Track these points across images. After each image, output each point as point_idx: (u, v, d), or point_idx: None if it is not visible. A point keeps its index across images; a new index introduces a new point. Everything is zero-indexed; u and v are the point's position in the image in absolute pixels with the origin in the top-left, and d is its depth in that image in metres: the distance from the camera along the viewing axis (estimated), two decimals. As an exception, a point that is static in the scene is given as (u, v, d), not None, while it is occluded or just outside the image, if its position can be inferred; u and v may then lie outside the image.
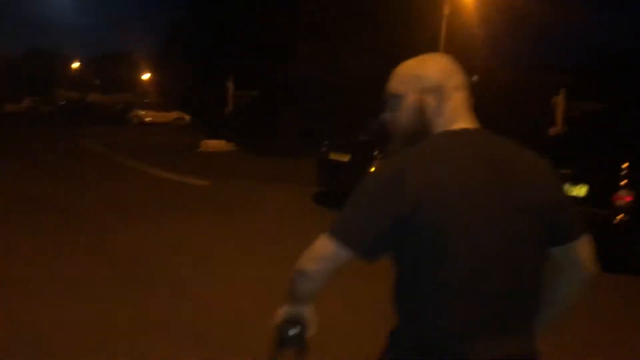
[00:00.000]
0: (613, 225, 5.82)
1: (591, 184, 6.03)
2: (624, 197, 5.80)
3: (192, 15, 31.31)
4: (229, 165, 14.15)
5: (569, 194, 5.79)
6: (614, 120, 11.07)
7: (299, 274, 1.40)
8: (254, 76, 22.91)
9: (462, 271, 1.28)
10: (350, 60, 19.16)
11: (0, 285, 4.71)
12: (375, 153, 8.33)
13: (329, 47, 20.09)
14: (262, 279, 5.11)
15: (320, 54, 19.61)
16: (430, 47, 16.41)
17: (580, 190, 6.04)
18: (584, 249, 1.44)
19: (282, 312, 1.51)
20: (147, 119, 32.64)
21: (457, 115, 1.41)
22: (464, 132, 1.40)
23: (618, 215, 5.82)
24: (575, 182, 6.06)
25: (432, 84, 1.42)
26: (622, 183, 5.87)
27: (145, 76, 56.00)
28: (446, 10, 17.36)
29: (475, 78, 16.87)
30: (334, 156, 9.32)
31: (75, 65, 72.19)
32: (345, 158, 9.02)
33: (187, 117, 33.31)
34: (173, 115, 33.62)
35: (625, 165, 5.94)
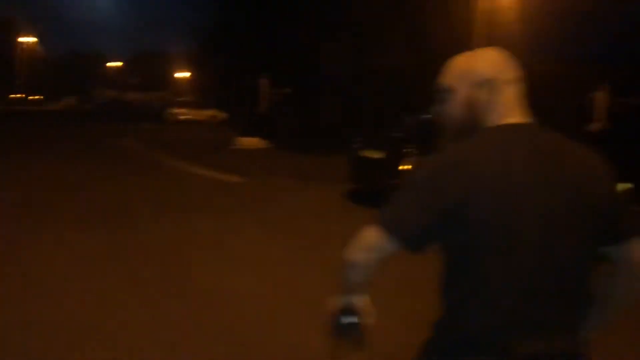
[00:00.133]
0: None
1: (636, 183, 5.78)
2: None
3: (229, 14, 31.56)
4: (262, 163, 14.18)
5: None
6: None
7: (347, 264, 1.41)
8: (289, 74, 22.92)
9: (507, 267, 1.28)
10: (383, 57, 18.96)
11: (49, 275, 4.81)
12: (409, 150, 8.19)
13: (362, 43, 19.94)
14: (294, 276, 5.07)
15: (354, 51, 19.47)
16: (465, 41, 16.11)
17: (623, 188, 5.78)
18: (637, 249, 1.40)
19: (336, 301, 1.50)
20: (183, 117, 33.12)
21: (509, 110, 1.40)
22: (515, 127, 1.38)
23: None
24: (618, 179, 5.81)
25: (483, 78, 1.42)
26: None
27: (182, 75, 56.89)
28: (482, 4, 17.04)
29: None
30: (366, 153, 9.22)
31: (115, 64, 73.88)
32: (378, 155, 8.91)
33: (223, 115, 33.64)
34: (208, 113, 34.03)
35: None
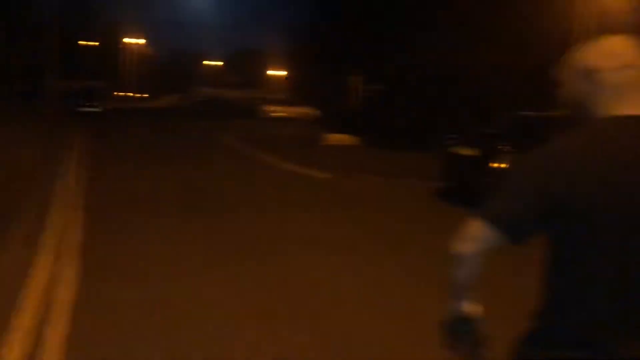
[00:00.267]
0: None
1: None
2: None
3: (323, 12, 31.88)
4: (352, 159, 14.19)
5: None
6: None
7: (454, 258, 1.41)
8: (382, 70, 22.76)
9: (610, 266, 1.26)
10: (477, 54, 18.32)
11: (152, 263, 5.07)
12: (504, 147, 7.84)
13: (456, 39, 19.37)
14: (383, 273, 5.00)
15: (447, 47, 18.96)
16: (564, 36, 15.25)
17: None
18: None
19: (449, 308, 1.48)
20: (277, 114, 33.89)
21: (622, 101, 1.35)
22: (626, 119, 1.33)
23: None
24: None
25: (585, 69, 1.39)
26: None
27: (278, 73, 58.20)
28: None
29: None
30: (458, 150, 8.95)
31: (214, 63, 76.94)
32: (471, 152, 8.62)
33: (315, 112, 34.06)
34: (301, 110, 34.58)
35: None
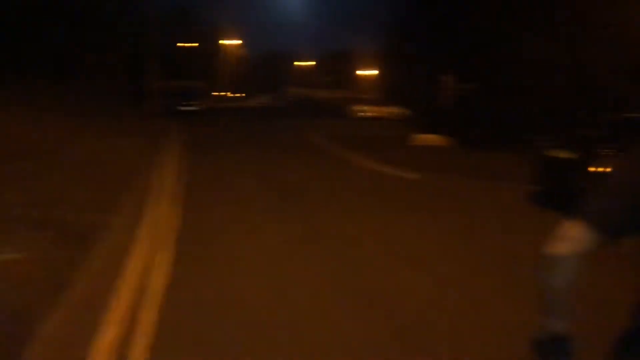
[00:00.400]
0: None
1: None
2: None
3: (415, 10, 31.46)
4: (442, 160, 13.92)
5: None
6: None
7: (547, 261, 1.33)
8: (475, 69, 22.08)
9: None
10: (574, 51, 17.29)
11: (244, 255, 5.26)
12: (605, 150, 7.37)
13: (554, 37, 18.39)
14: (472, 279, 4.85)
15: (544, 46, 18.04)
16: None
17: None
18: None
19: (541, 325, 1.36)
20: (367, 114, 33.86)
21: None
22: None
23: None
24: None
25: None
26: None
27: (369, 72, 58.14)
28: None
29: None
30: (555, 153, 8.51)
31: (306, 63, 78.18)
32: (568, 155, 8.17)
33: (405, 112, 33.68)
34: (391, 109, 34.31)
35: None
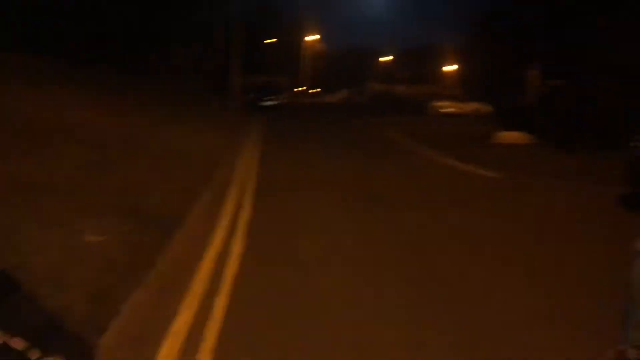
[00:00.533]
0: None
1: None
2: None
3: (498, 6, 30.50)
4: (524, 159, 13.38)
5: None
6: None
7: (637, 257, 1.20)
8: (562, 64, 21.07)
9: None
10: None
11: (314, 248, 5.33)
12: None
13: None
14: (556, 284, 4.63)
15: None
16: None
17: None
18: None
19: (628, 338, 1.31)
20: (447, 110, 33.15)
21: None
22: None
23: None
24: None
25: None
26: None
27: (450, 68, 56.91)
28: None
29: None
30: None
31: (386, 58, 77.53)
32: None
33: (487, 108, 32.68)
34: (472, 106, 33.42)
35: None
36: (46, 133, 7.59)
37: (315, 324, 3.69)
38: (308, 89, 68.79)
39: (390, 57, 76.96)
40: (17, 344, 2.44)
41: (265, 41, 49.39)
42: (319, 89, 70.61)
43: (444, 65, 58.86)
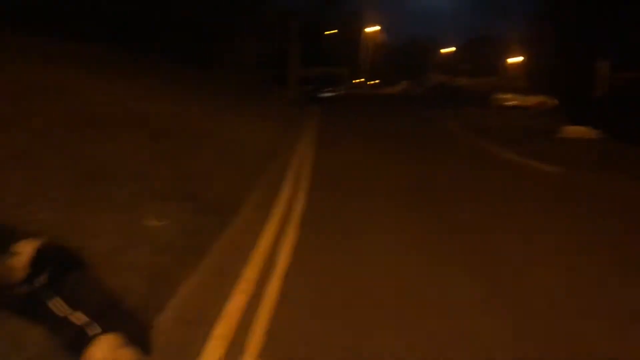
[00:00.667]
0: None
1: None
2: None
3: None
4: (590, 154, 12.83)
5: None
6: None
7: None
8: (635, 55, 20.02)
9: None
10: None
11: (366, 242, 5.32)
12: None
13: None
14: (615, 283, 4.45)
15: None
16: None
17: None
18: None
19: None
20: (509, 103, 32.16)
21: None
22: None
23: None
24: None
25: None
26: None
27: (513, 60, 55.15)
28: None
29: None
30: None
31: (447, 50, 75.98)
32: None
33: (553, 101, 31.50)
34: (537, 99, 32.27)
35: None
36: (112, 122, 7.89)
37: (367, 318, 3.69)
38: (367, 80, 68.45)
39: (452, 49, 75.37)
40: (77, 319, 2.56)
41: (325, 32, 49.40)
42: (377, 81, 70.13)
43: (508, 57, 57.05)
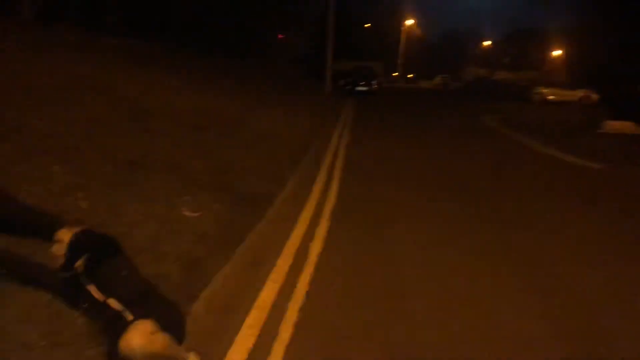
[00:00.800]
0: None
1: None
2: None
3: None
4: (634, 150, 12.45)
5: None
6: None
7: None
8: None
9: None
10: None
11: (394, 235, 5.33)
12: None
13: None
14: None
15: None
16: None
17: None
18: None
19: None
20: (550, 97, 31.48)
21: None
22: None
23: None
24: None
25: None
26: None
27: (556, 53, 53.81)
28: None
29: None
30: None
31: (486, 43, 74.66)
32: None
33: (595, 96, 30.65)
34: (579, 93, 31.50)
35: None
36: (151, 115, 8.06)
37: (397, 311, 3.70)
38: (402, 74, 67.90)
39: (489, 42, 74.05)
40: (115, 304, 2.66)
41: (362, 26, 49.19)
42: (413, 75, 69.50)
43: (549, 50, 55.66)
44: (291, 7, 30.56)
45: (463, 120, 19.12)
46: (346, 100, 25.45)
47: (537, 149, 11.89)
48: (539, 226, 5.89)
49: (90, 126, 6.21)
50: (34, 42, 9.88)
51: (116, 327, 2.56)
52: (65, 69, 8.30)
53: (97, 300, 2.68)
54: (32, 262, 3.00)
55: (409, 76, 68.98)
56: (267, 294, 3.80)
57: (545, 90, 32.31)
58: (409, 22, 65.26)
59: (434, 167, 9.49)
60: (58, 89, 7.02)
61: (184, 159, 6.67)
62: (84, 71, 8.62)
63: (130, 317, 2.60)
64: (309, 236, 5.10)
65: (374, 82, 32.60)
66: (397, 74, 66.90)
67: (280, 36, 30.65)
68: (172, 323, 2.75)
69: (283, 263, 4.38)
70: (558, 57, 52.94)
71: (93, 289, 2.70)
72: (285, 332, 3.31)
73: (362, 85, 32.07)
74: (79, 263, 2.71)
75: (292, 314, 3.53)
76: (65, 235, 2.73)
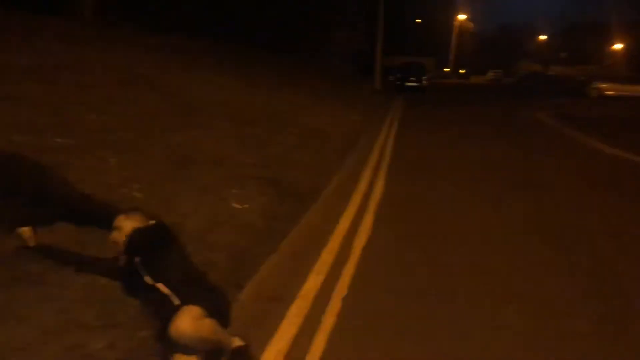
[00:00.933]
0: None
1: None
2: None
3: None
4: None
5: None
6: None
7: None
8: None
9: None
10: None
11: (441, 228, 5.34)
12: None
13: None
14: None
15: None
16: None
17: None
18: None
19: None
20: (609, 92, 30.27)
21: None
22: None
23: None
24: None
25: None
26: None
27: (614, 47, 51.78)
28: None
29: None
30: None
31: (542, 38, 72.53)
32: None
33: (657, 91, 29.30)
34: (638, 88, 30.17)
35: None
36: (202, 111, 8.31)
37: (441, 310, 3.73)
38: (453, 69, 66.84)
39: (545, 36, 71.88)
40: (164, 289, 2.80)
41: (414, 21, 48.73)
42: (464, 70, 68.29)
43: (608, 44, 53.59)
44: (344, 6, 30.66)
45: (515, 116, 18.62)
46: (396, 96, 25.31)
47: (593, 145, 11.51)
48: (592, 226, 5.75)
49: (146, 122, 6.47)
50: (101, 41, 10.32)
51: (166, 310, 2.70)
52: (130, 67, 8.66)
53: (148, 285, 2.83)
54: (90, 248, 3.20)
55: (461, 71, 67.81)
56: (312, 284, 3.89)
57: (603, 85, 31.12)
58: (462, 16, 64.13)
59: (485, 160, 9.34)
60: (117, 85, 7.34)
61: (234, 152, 6.86)
62: (141, 70, 8.96)
63: (177, 301, 2.74)
64: (352, 232, 5.15)
65: (424, 77, 32.24)
66: (448, 69, 65.91)
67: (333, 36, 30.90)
68: (219, 309, 2.87)
69: (327, 256, 4.46)
70: (619, 50, 50.93)
71: (146, 275, 2.85)
72: (328, 322, 3.40)
73: (412, 81, 31.79)
74: (138, 250, 2.85)
75: (334, 305, 3.61)
76: (124, 223, 2.89)
